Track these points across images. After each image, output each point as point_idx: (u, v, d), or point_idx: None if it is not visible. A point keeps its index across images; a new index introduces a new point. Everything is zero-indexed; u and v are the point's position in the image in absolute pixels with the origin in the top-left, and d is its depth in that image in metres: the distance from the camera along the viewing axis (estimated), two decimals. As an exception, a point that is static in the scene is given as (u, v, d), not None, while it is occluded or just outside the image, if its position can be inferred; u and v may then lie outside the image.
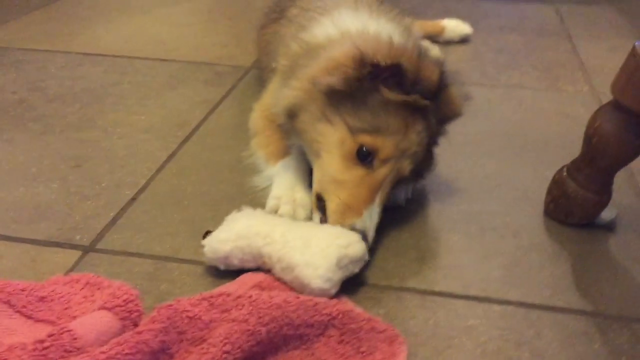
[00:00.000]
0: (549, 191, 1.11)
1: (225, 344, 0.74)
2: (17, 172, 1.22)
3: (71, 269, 0.96)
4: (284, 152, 1.15)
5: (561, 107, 1.55)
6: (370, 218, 0.97)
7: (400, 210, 1.11)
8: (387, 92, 0.95)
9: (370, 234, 0.96)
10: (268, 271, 0.93)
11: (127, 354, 0.70)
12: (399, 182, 1.03)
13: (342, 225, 0.95)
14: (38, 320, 0.80)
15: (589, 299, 0.92)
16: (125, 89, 1.61)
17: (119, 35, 2.01)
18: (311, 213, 1.04)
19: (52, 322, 0.79)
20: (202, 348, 0.75)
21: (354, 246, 0.91)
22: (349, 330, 0.80)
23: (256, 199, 1.12)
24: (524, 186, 1.21)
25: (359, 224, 0.95)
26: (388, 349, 0.78)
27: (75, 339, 0.72)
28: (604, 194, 1.05)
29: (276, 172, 1.13)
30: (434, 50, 1.84)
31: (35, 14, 2.21)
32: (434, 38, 1.95)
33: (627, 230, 1.08)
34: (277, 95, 1.12)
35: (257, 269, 0.93)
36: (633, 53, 0.95)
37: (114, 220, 1.08)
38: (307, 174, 1.11)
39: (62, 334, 0.72)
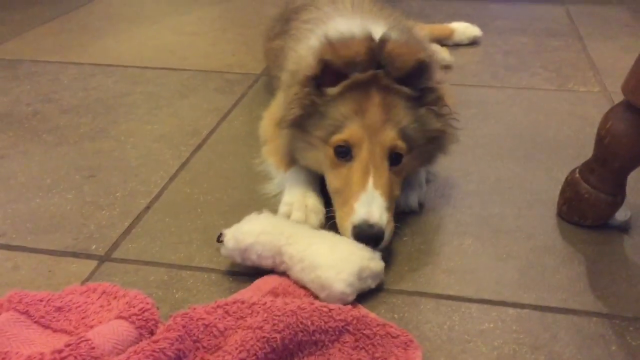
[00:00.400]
0: (562, 193, 1.11)
1: (240, 352, 0.74)
2: (32, 183, 1.23)
3: (87, 279, 0.97)
4: (294, 159, 1.15)
5: (572, 108, 1.55)
6: (370, 204, 0.95)
7: (413, 214, 1.11)
8: (329, 90, 1.00)
9: (376, 216, 0.94)
10: (282, 273, 0.93)
11: (143, 362, 0.71)
12: (418, 160, 1.05)
13: (344, 227, 0.97)
14: (56, 330, 0.81)
15: (605, 301, 0.92)
16: (137, 98, 1.62)
17: (129, 45, 2.03)
18: (323, 218, 1.05)
19: (69, 332, 0.80)
20: (218, 356, 0.75)
21: (376, 261, 0.93)
22: (363, 335, 0.80)
23: (268, 206, 1.12)
24: (536, 188, 1.20)
25: (355, 218, 0.95)
26: (403, 355, 0.78)
27: (92, 348, 0.73)
28: (618, 195, 1.04)
29: (287, 179, 1.13)
30: (443, 53, 1.84)
31: (48, 26, 2.24)
32: (443, 41, 1.95)
33: (641, 231, 1.07)
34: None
35: (271, 271, 0.94)
36: (644, 53, 0.95)
37: (128, 230, 1.09)
38: (318, 181, 1.12)
39: (79, 343, 0.73)
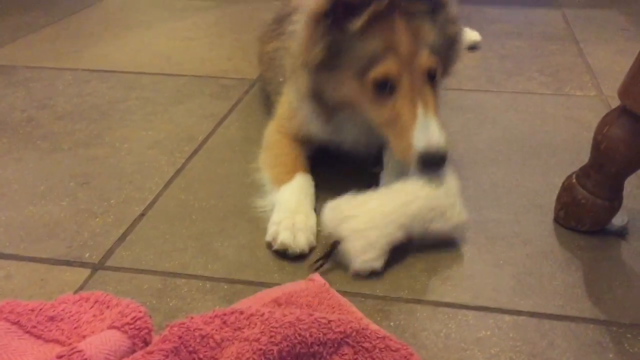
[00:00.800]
0: (559, 198, 1.11)
1: (235, 363, 0.73)
2: (26, 190, 1.22)
3: (81, 287, 0.96)
4: (290, 175, 1.13)
5: (569, 112, 1.54)
6: (428, 129, 0.98)
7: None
8: (352, 25, 0.98)
9: (436, 141, 0.98)
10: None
11: (137, 373, 0.70)
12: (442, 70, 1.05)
13: (408, 160, 1.00)
14: (48, 341, 0.80)
15: (602, 307, 0.91)
16: (132, 104, 1.62)
17: (125, 51, 2.03)
18: (312, 236, 1.03)
19: (61, 342, 0.79)
20: (213, 367, 0.74)
21: (454, 182, 1.01)
22: (362, 348, 0.79)
23: (264, 214, 1.12)
24: (533, 193, 1.20)
25: (419, 143, 0.98)
26: (401, 366, 0.77)
27: (85, 359, 0.72)
28: (615, 200, 1.04)
29: (278, 197, 1.10)
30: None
31: (43, 32, 2.24)
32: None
33: (638, 236, 1.07)
34: (296, 91, 1.16)
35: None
36: (639, 57, 0.94)
37: (122, 237, 1.08)
38: (313, 196, 1.11)
39: (72, 354, 0.72)
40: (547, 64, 1.86)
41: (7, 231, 1.10)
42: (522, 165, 1.30)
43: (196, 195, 1.20)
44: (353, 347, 0.79)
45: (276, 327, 0.77)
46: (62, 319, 0.82)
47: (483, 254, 1.03)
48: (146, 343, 0.79)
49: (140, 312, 0.81)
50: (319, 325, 0.79)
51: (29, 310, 0.82)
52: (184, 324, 0.78)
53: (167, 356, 0.73)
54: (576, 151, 1.32)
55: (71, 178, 1.27)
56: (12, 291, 0.95)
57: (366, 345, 0.79)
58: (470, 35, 1.98)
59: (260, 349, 0.74)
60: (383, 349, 0.78)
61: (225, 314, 0.82)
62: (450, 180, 1.02)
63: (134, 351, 0.77)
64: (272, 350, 0.75)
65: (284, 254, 1.01)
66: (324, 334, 0.79)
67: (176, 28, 2.28)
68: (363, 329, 0.81)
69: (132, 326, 0.78)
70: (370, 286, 0.96)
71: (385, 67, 1.00)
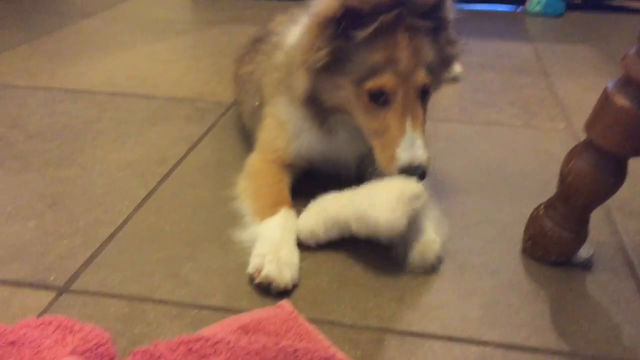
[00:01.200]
0: (527, 229, 1.12)
1: (199, 390, 0.72)
2: (-8, 210, 1.20)
3: (44, 311, 0.94)
4: (274, 208, 1.12)
5: (538, 144, 1.57)
6: (413, 145, 1.02)
7: (379, 249, 1.10)
8: (357, 34, 1.01)
9: (419, 156, 1.02)
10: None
11: (97, 401, 0.69)
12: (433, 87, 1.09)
13: (390, 171, 1.04)
14: (7, 366, 0.78)
15: (567, 339, 0.92)
16: (106, 125, 1.61)
17: (100, 71, 2.02)
18: (296, 273, 1.02)
19: (21, 368, 0.78)
20: (175, 394, 0.73)
21: (411, 185, 1.01)
22: (327, 376, 0.79)
23: (236, 239, 1.11)
24: (502, 223, 1.21)
25: (403, 157, 1.02)
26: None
27: (44, 385, 0.71)
28: (580, 232, 1.06)
29: (261, 230, 1.09)
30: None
31: (19, 49, 2.22)
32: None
33: (604, 268, 1.08)
34: (286, 101, 1.19)
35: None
36: (604, 94, 0.97)
37: (89, 260, 1.06)
38: (294, 231, 1.09)
39: (30, 380, 0.71)
40: (518, 97, 1.90)
41: (-30, 252, 1.08)
42: (492, 195, 1.32)
43: (167, 219, 1.19)
44: (319, 376, 0.79)
45: (242, 355, 0.77)
46: (22, 344, 0.81)
47: (452, 284, 1.04)
48: (109, 370, 0.77)
49: (103, 338, 0.80)
50: (285, 354, 0.79)
51: (-11, 334, 0.80)
52: (147, 351, 0.77)
53: (129, 384, 0.72)
54: (545, 183, 1.34)
55: (39, 199, 1.25)
56: (-27, 314, 0.93)
57: (332, 374, 0.79)
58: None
59: (225, 378, 0.74)
60: (349, 379, 0.78)
61: (190, 341, 0.81)
62: (409, 183, 1.03)
63: (95, 378, 0.75)
64: (237, 378, 0.74)
65: (266, 288, 0.98)
66: (290, 363, 0.78)
67: (153, 50, 2.28)
68: (330, 357, 0.80)
69: (94, 352, 0.77)
70: (339, 314, 0.95)
71: (383, 80, 1.03)
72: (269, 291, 0.98)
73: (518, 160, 1.48)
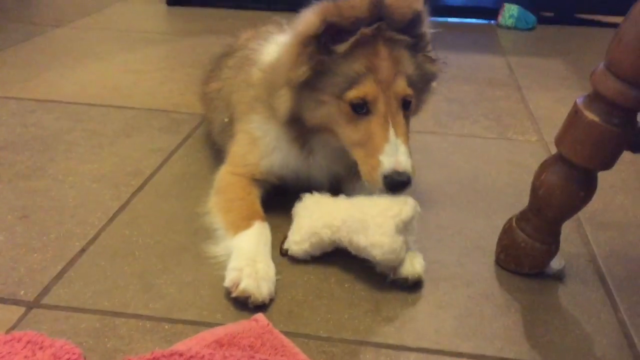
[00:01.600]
0: (499, 241, 1.13)
1: (171, 406, 0.71)
2: (-40, 223, 1.18)
3: (14, 327, 0.92)
4: (247, 221, 1.11)
5: (511, 156, 1.60)
6: (397, 151, 1.04)
7: (354, 261, 1.11)
8: (337, 47, 1.04)
9: (403, 164, 1.03)
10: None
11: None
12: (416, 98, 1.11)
13: (374, 178, 1.05)
14: (-26, 384, 0.76)
15: (539, 350, 0.93)
16: (78, 136, 1.59)
17: (73, 81, 2.00)
18: (273, 286, 1.01)
19: (-11, 386, 0.76)
20: (148, 410, 0.72)
21: (405, 210, 1.02)
22: (302, 389, 0.78)
23: (211, 254, 1.11)
24: (475, 235, 1.23)
25: (387, 163, 1.03)
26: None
27: (12, 403, 0.69)
28: (552, 244, 1.07)
29: (236, 243, 1.07)
30: None
31: (-11, 59, 2.19)
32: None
33: (575, 279, 1.10)
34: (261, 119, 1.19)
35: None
36: (574, 109, 0.99)
37: (60, 274, 1.05)
38: (269, 245, 1.09)
39: (-2, 398, 0.69)
40: (492, 109, 1.93)
41: (-63, 266, 1.05)
42: (466, 207, 1.34)
43: (140, 231, 1.18)
44: (294, 390, 0.78)
45: (216, 370, 0.76)
46: (-10, 361, 0.79)
47: (426, 295, 1.04)
48: (80, 386, 0.76)
49: (74, 353, 0.78)
50: (260, 368, 0.78)
51: (-45, 351, 0.78)
52: (120, 366, 0.76)
53: (100, 401, 0.71)
54: (517, 194, 1.36)
55: (9, 211, 1.23)
56: (-61, 330, 0.90)
57: (308, 388, 0.78)
58: None
59: (199, 393, 0.73)
60: (324, 393, 0.78)
61: (164, 356, 0.80)
62: (402, 206, 1.04)
63: (66, 395, 0.74)
64: (211, 394, 0.73)
65: (243, 302, 0.98)
66: (265, 377, 0.78)
67: (127, 60, 2.26)
68: (305, 371, 0.80)
69: (65, 369, 0.76)
70: (314, 327, 0.95)
71: (365, 88, 1.05)
72: (246, 305, 0.97)
73: (491, 172, 1.50)
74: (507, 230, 1.12)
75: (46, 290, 1.01)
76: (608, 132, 0.95)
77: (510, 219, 1.12)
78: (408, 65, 1.09)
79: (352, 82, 1.05)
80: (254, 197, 1.19)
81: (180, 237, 1.17)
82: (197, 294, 1.02)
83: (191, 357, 0.80)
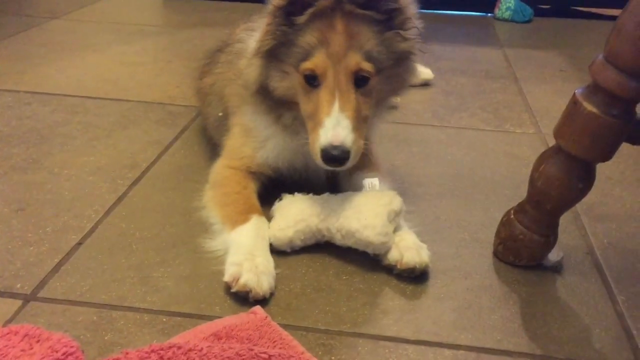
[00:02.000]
0: (498, 233, 1.13)
1: (170, 399, 0.71)
2: (-44, 216, 1.17)
3: (10, 320, 0.92)
4: (244, 215, 1.10)
5: (509, 149, 1.59)
6: (338, 125, 1.02)
7: (352, 253, 1.10)
8: (297, 19, 1.05)
9: (340, 137, 1.02)
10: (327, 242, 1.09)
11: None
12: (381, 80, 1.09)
13: (314, 151, 1.05)
14: (-29, 377, 0.76)
15: (538, 341, 0.93)
16: (75, 129, 1.58)
17: (69, 74, 1.98)
18: (273, 281, 1.00)
19: (-14, 379, 0.75)
20: (146, 403, 0.72)
21: (395, 201, 1.07)
22: (301, 382, 0.78)
23: (209, 247, 1.10)
24: (474, 227, 1.22)
25: (321, 142, 1.03)
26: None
27: (10, 397, 0.69)
28: (550, 236, 1.07)
29: (233, 238, 1.07)
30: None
31: (-17, 51, 2.17)
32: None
33: (573, 271, 1.10)
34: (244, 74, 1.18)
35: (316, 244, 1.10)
36: (573, 100, 0.98)
37: (57, 267, 1.04)
38: (267, 239, 1.09)
39: (-5, 392, 0.69)
40: (489, 101, 1.92)
41: None
42: (464, 199, 1.33)
43: (137, 224, 1.18)
44: (293, 382, 0.78)
45: (215, 363, 0.76)
46: (-13, 354, 0.78)
47: (424, 288, 1.04)
48: (77, 379, 0.76)
49: (72, 346, 0.78)
50: (259, 360, 0.78)
51: (-48, 344, 0.78)
52: (117, 359, 0.75)
53: (98, 394, 0.70)
54: (515, 187, 1.36)
55: (5, 204, 1.22)
56: None
57: (306, 380, 0.78)
58: (423, 72, 2.01)
59: (197, 386, 0.73)
60: (323, 385, 0.78)
61: (162, 349, 0.80)
62: (392, 197, 1.08)
63: (63, 388, 0.74)
64: (210, 386, 0.73)
65: (243, 297, 0.97)
66: (264, 370, 0.77)
67: (123, 52, 2.25)
68: (303, 363, 0.80)
69: (62, 362, 0.75)
70: (312, 319, 0.95)
71: (314, 61, 1.05)
72: (246, 299, 0.97)
73: (489, 165, 1.50)
74: (505, 223, 1.11)
75: (43, 283, 1.00)
76: (607, 123, 0.94)
77: (509, 211, 1.12)
78: (367, 39, 1.06)
79: (306, 54, 1.06)
80: (250, 191, 1.19)
81: (178, 230, 1.16)
82: (195, 286, 1.01)
83: (189, 350, 0.79)
